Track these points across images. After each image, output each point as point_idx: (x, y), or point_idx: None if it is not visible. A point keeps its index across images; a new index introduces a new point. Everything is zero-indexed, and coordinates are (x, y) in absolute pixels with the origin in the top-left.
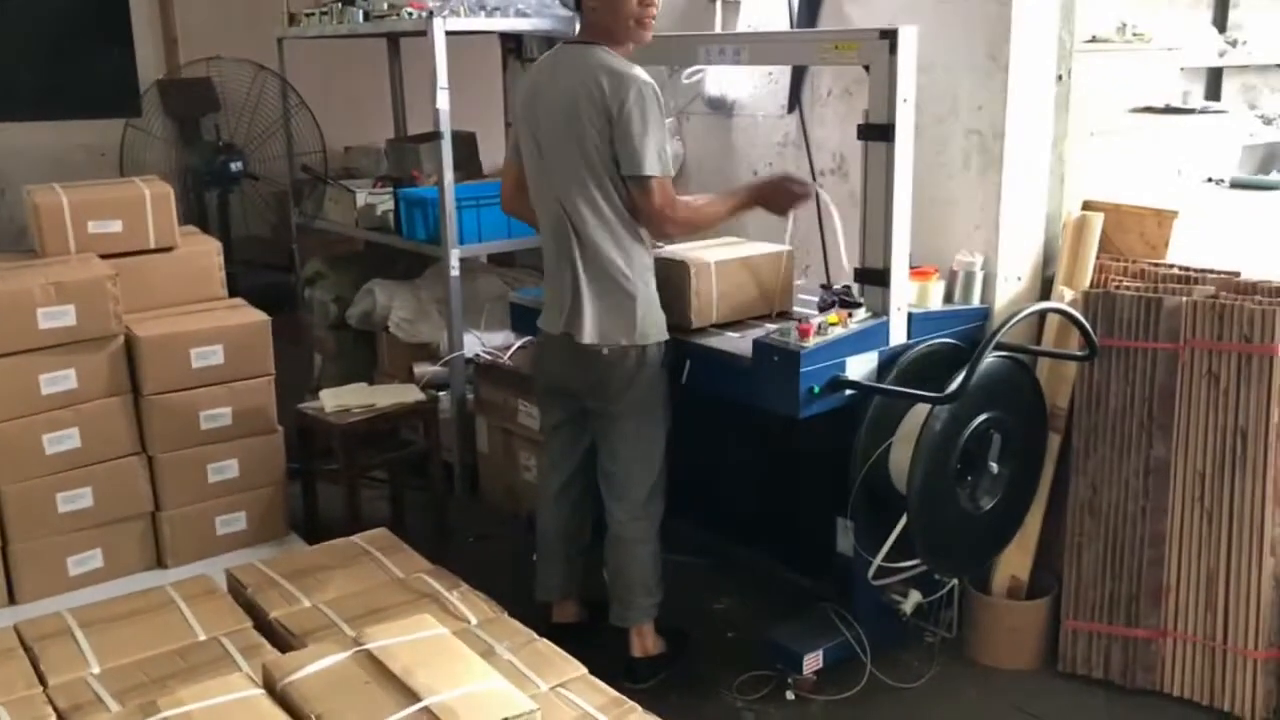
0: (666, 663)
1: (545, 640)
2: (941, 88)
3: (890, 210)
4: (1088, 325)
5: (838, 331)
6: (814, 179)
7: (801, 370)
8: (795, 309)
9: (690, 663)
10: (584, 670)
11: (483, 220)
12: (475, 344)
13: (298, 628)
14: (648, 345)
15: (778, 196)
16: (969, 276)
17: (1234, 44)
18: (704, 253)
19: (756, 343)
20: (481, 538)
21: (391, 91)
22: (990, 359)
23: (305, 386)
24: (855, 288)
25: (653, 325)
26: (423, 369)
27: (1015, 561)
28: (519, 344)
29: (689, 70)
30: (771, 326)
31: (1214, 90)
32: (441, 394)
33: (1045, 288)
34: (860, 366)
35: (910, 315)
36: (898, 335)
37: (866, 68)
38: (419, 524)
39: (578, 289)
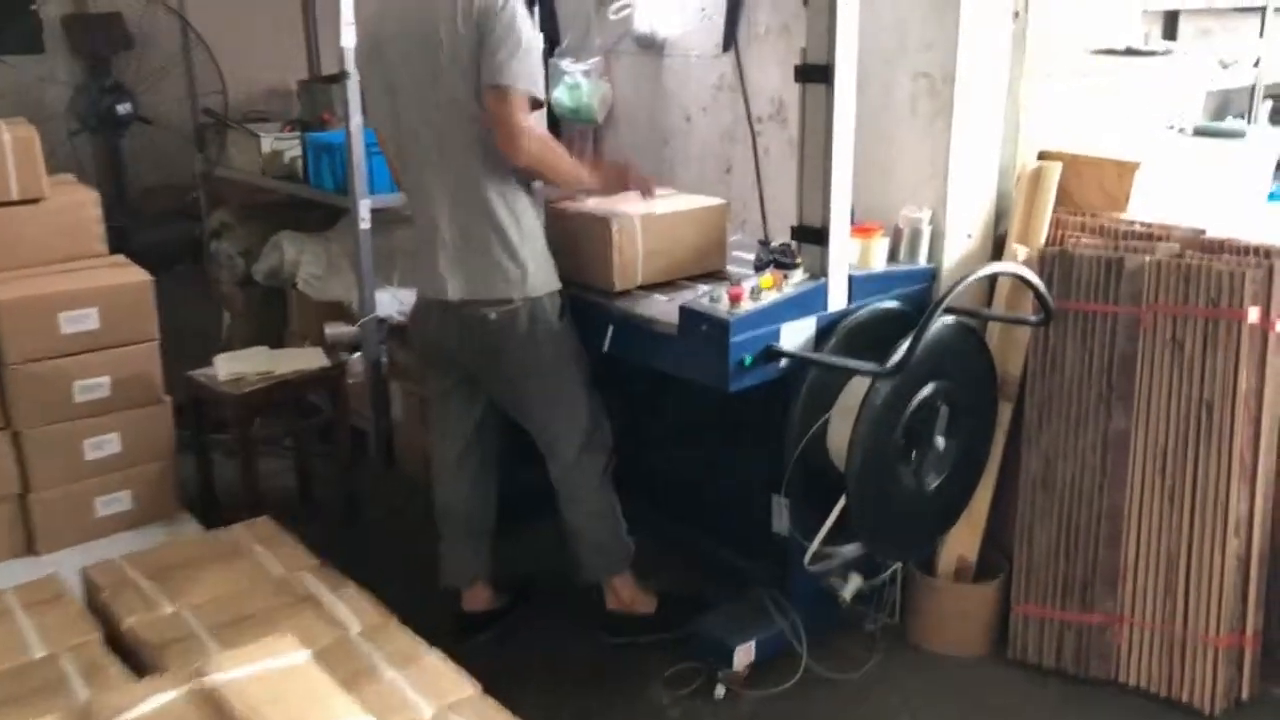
0: (647, 628)
1: (436, 653)
2: (887, 24)
3: (829, 162)
4: (1042, 288)
5: (772, 296)
6: (750, 125)
7: (731, 340)
8: (730, 268)
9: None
10: (476, 689)
11: None
12: (391, 303)
13: (155, 638)
14: (539, 298)
15: (617, 184)
16: (915, 234)
17: None
18: (628, 206)
19: (683, 309)
20: (395, 512)
21: (305, 27)
22: (937, 325)
23: (213, 347)
24: (794, 245)
25: (543, 275)
26: (334, 330)
27: (963, 540)
28: None
29: (615, 4)
30: (703, 289)
31: (1170, 33)
32: (354, 356)
33: (998, 245)
34: (796, 334)
35: (851, 277)
36: (838, 299)
37: (805, 1)
38: (329, 497)
39: (453, 240)
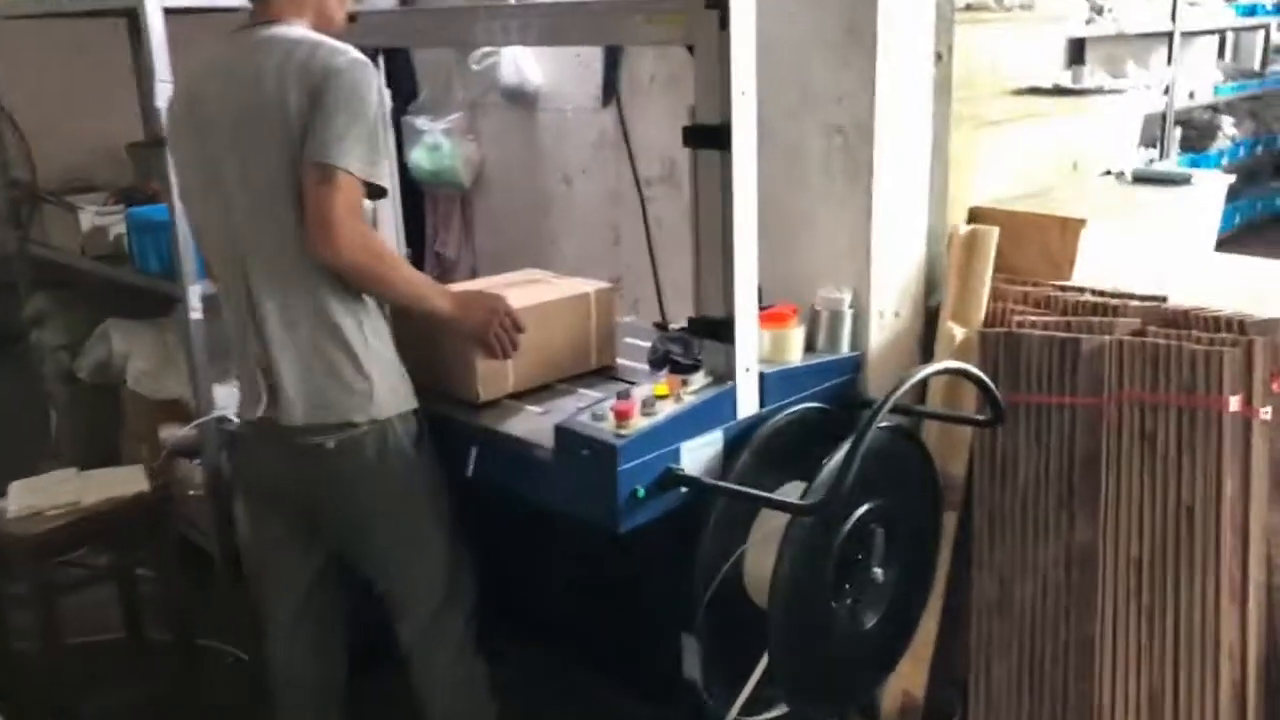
0: None
1: None
2: (789, 73)
3: (730, 241)
4: (991, 386)
5: (668, 408)
6: (638, 189)
7: (619, 468)
8: (621, 361)
9: None
10: None
11: None
12: (233, 399)
13: None
14: (389, 420)
15: (479, 326)
16: (836, 318)
17: (1099, 12)
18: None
19: (559, 430)
20: (239, 660)
21: (136, 78)
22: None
23: (40, 451)
24: (694, 343)
25: (393, 391)
26: (170, 432)
27: (908, 675)
28: None
29: (477, 52)
30: (586, 395)
31: (1077, 61)
32: (196, 461)
33: (929, 323)
34: (700, 453)
35: (764, 375)
36: (748, 404)
37: (690, 49)
38: (161, 636)
39: (279, 349)
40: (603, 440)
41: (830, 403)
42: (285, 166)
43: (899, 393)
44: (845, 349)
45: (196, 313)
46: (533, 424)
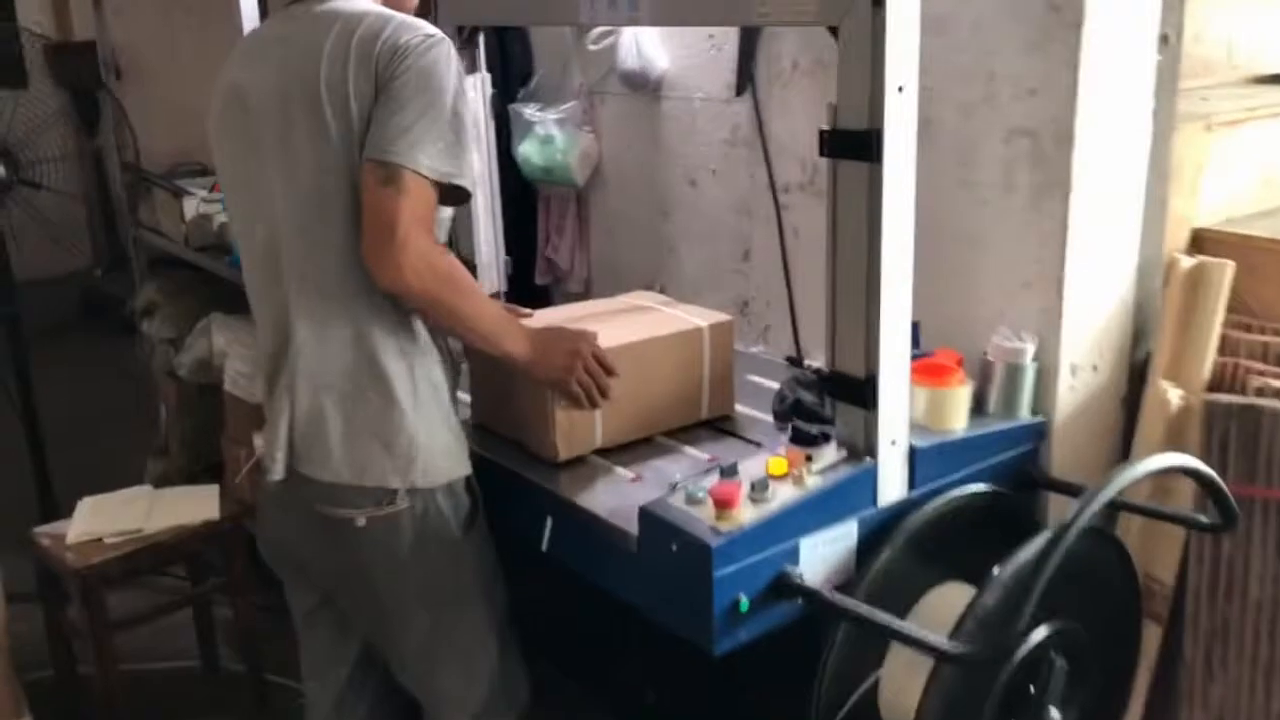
0: None
1: None
2: (966, 60)
3: (876, 278)
4: (1221, 485)
5: (786, 493)
6: (774, 196)
7: (716, 574)
8: (741, 408)
9: None
10: None
11: None
12: None
13: None
14: (434, 491)
15: (560, 372)
16: (1014, 372)
17: None
18: (574, 326)
19: (645, 514)
20: None
21: None
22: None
23: (150, 447)
24: (824, 405)
25: (443, 455)
26: (261, 440)
27: None
28: None
29: (595, 30)
30: (693, 457)
31: None
32: None
33: (1134, 383)
34: (827, 550)
35: (915, 450)
36: (893, 487)
37: (833, 31)
38: (236, 668)
39: (306, 392)
40: (695, 536)
41: (1002, 480)
42: (341, 166)
43: (1094, 507)
44: (1024, 413)
45: None
46: (620, 496)
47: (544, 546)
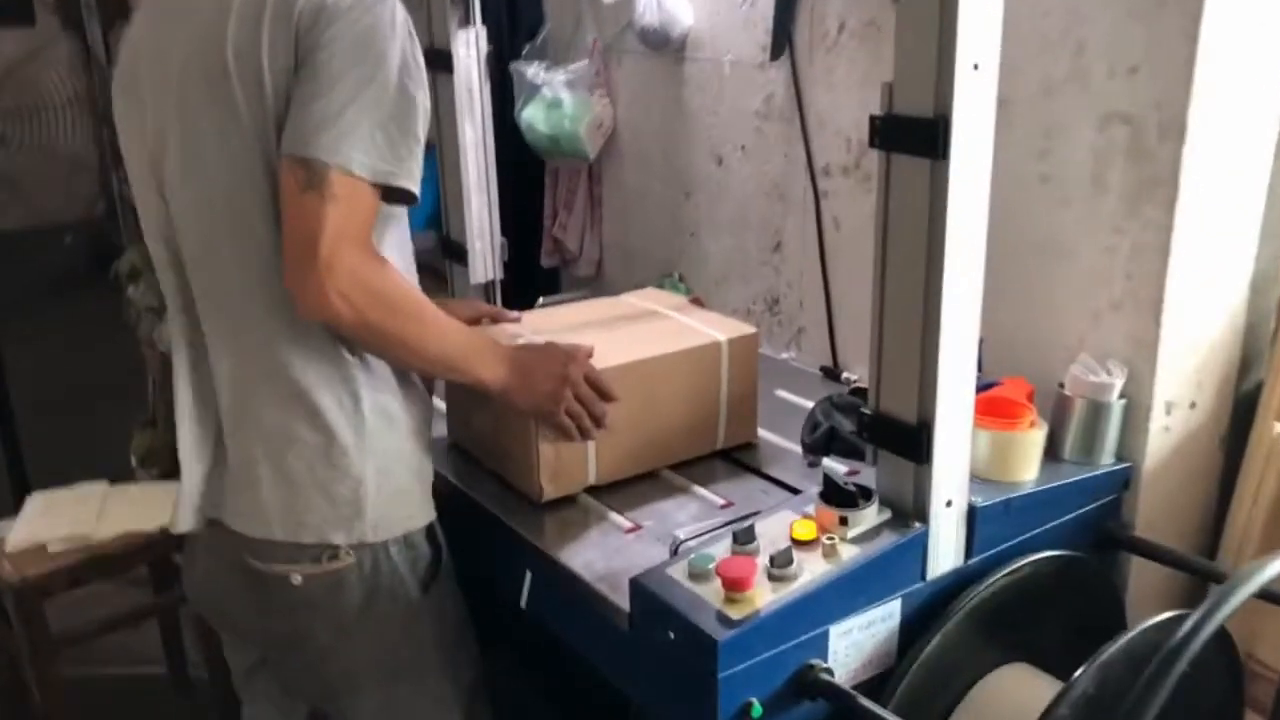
0: None
1: None
2: (1054, 27)
3: (936, 302)
4: None
5: (814, 567)
6: (812, 180)
7: (722, 674)
8: (765, 433)
9: None
10: None
11: None
12: None
13: None
14: (386, 545)
15: (544, 400)
16: (1097, 410)
17: None
18: (568, 338)
19: (636, 588)
20: None
21: None
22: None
23: (135, 420)
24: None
25: (395, 496)
26: None
27: None
28: None
29: None
30: (704, 500)
31: None
32: None
33: (1238, 421)
34: (861, 636)
35: (974, 510)
36: (946, 557)
37: None
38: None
39: (234, 427)
40: (697, 626)
41: (1077, 541)
42: (252, 159)
43: (1227, 610)
44: (1107, 459)
45: None
46: (613, 552)
47: (523, 603)
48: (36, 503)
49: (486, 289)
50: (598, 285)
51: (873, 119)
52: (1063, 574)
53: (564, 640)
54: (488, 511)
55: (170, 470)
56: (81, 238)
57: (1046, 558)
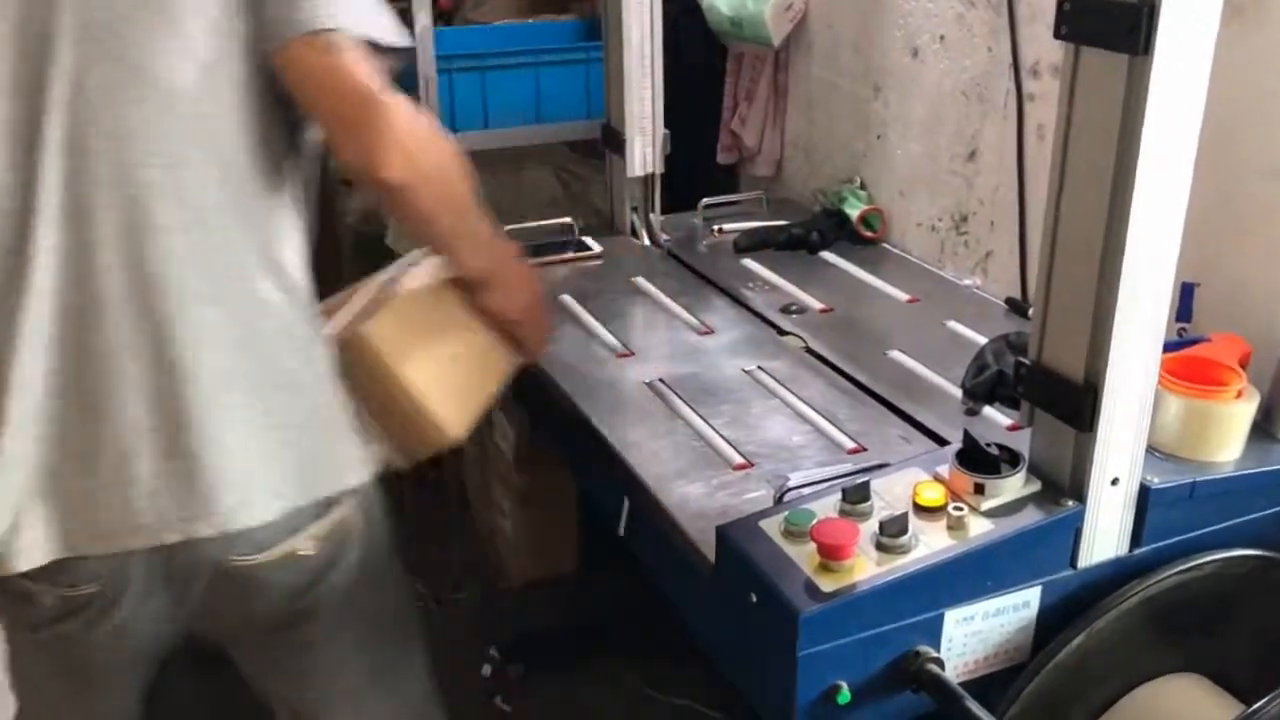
0: None
1: None
2: None
3: (1120, 235)
4: None
5: (934, 542)
6: (1016, 81)
7: (802, 652)
8: (926, 372)
9: None
10: None
11: (489, 89)
12: None
13: None
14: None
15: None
16: None
17: None
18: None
19: (722, 538)
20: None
21: None
22: None
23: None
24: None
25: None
26: None
27: None
28: None
29: None
30: (833, 438)
31: None
32: None
33: None
34: (986, 626)
35: (1147, 492)
36: (1104, 544)
37: None
38: None
39: (217, 398)
40: (780, 592)
41: (1271, 534)
42: (234, 47)
43: None
44: None
45: None
46: (715, 488)
47: (620, 530)
48: None
49: (646, 182)
50: (775, 186)
51: (1061, 5)
52: (1257, 577)
53: (656, 579)
54: (583, 420)
55: None
56: None
57: (1238, 556)
